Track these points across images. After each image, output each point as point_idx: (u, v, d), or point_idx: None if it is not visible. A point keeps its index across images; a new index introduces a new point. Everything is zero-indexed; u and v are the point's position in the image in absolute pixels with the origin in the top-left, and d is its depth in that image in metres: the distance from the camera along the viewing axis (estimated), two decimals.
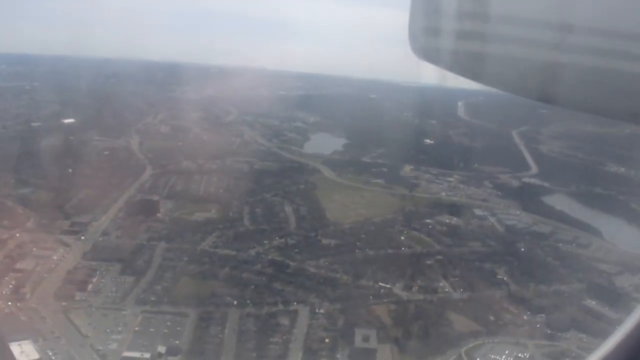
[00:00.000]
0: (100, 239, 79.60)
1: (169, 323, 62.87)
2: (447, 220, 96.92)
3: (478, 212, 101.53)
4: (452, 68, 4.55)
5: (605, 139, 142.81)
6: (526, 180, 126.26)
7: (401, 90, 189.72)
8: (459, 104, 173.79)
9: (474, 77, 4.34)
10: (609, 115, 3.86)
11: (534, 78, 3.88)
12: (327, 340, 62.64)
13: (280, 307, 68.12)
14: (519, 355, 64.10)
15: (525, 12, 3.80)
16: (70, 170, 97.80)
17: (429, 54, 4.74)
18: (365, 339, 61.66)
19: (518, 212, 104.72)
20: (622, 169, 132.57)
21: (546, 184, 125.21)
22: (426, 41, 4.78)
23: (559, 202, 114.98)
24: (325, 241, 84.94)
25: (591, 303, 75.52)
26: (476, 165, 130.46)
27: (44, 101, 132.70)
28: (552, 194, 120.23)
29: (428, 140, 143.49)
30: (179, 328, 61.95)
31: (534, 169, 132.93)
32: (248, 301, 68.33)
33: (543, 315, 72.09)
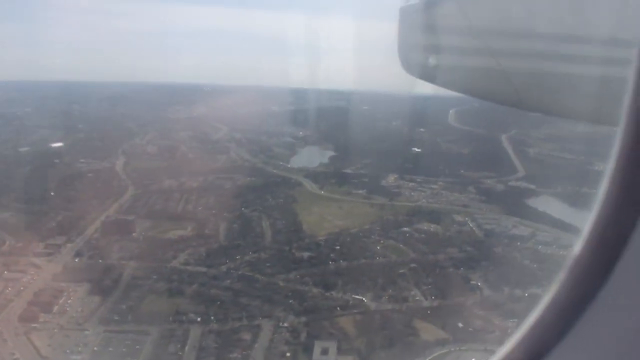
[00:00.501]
0: (73, 260, 79.06)
1: (128, 342, 61.88)
2: (425, 228, 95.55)
3: (458, 218, 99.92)
4: (433, 81, 4.96)
5: (595, 139, 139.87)
6: (512, 183, 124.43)
7: (395, 101, 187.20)
8: (451, 111, 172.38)
9: (455, 88, 4.81)
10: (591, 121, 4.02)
11: (509, 86, 4.03)
12: (288, 354, 61.44)
13: (245, 322, 66.90)
14: None
15: (501, 25, 3.97)
16: (52, 193, 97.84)
17: (413, 68, 5.15)
18: (324, 351, 60.37)
19: (499, 216, 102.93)
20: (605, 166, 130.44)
21: (532, 186, 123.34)
22: (410, 57, 5.19)
23: (543, 203, 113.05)
24: (298, 254, 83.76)
25: None
26: (462, 171, 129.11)
27: (35, 126, 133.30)
28: (537, 196, 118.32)
29: (415, 149, 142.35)
30: (138, 346, 60.96)
31: (521, 171, 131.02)
32: (212, 317, 67.18)
33: (516, 320, 70.22)
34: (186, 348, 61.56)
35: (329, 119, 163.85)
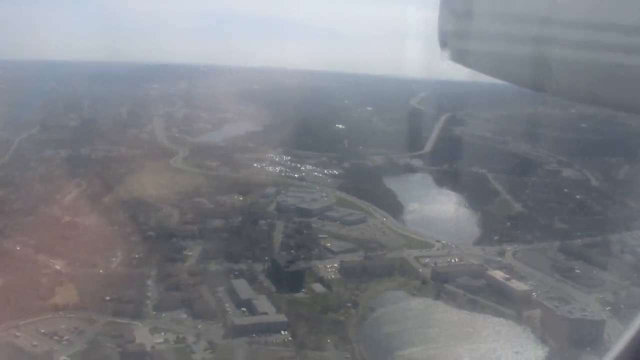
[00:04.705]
0: None
1: None
2: (225, 199, 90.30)
3: (270, 190, 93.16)
4: (478, 68, 4.91)
5: (542, 120, 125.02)
6: (401, 160, 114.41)
7: (391, 84, 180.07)
8: (422, 94, 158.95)
9: (499, 76, 4.71)
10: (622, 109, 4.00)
11: (549, 74, 4.03)
12: None
13: None
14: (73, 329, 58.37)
15: (544, 12, 3.94)
16: None
17: (457, 55, 5.06)
18: None
19: (322, 192, 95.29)
20: (524, 146, 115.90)
21: (418, 164, 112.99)
22: (453, 43, 5.05)
23: (402, 181, 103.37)
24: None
25: (240, 283, 66.66)
26: (360, 147, 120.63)
27: None
28: (410, 174, 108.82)
29: (340, 125, 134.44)
30: None
31: (426, 149, 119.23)
32: None
33: (173, 292, 64.98)
34: None
35: (290, 98, 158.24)
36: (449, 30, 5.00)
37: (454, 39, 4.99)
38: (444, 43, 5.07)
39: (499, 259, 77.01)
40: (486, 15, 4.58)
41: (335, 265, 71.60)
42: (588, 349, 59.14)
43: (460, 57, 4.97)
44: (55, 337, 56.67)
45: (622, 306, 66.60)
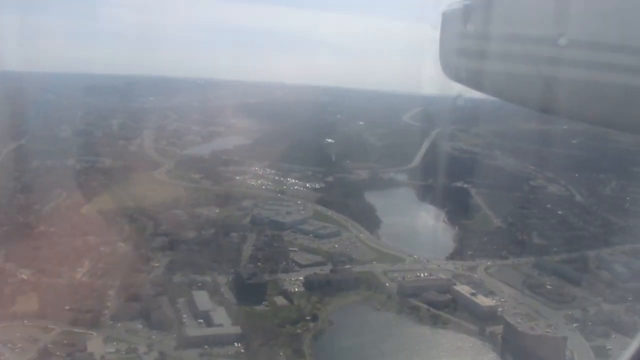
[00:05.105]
0: None
1: None
2: (202, 211, 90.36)
3: (247, 203, 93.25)
4: (479, 87, 4.87)
5: (533, 135, 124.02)
6: (385, 175, 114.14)
7: (387, 100, 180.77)
8: (416, 110, 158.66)
9: (502, 96, 4.68)
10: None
11: (550, 94, 4.04)
12: None
13: None
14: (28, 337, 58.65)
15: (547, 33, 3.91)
16: None
17: (453, 73, 5.17)
18: None
19: (300, 205, 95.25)
20: (512, 161, 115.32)
21: (404, 178, 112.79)
22: (451, 62, 5.18)
23: (384, 195, 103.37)
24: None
25: (200, 295, 66.73)
26: (348, 161, 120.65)
27: None
28: (394, 188, 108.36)
29: (329, 140, 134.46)
30: None
31: (414, 164, 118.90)
32: None
33: (132, 303, 65.20)
34: None
35: (284, 112, 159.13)
36: (451, 50, 5.09)
37: (455, 58, 5.05)
38: (444, 62, 5.17)
39: (470, 274, 76.29)
40: (489, 36, 4.50)
41: (301, 278, 71.30)
42: None
43: (459, 75, 5.02)
44: (9, 345, 56.93)
45: (589, 323, 65.78)
